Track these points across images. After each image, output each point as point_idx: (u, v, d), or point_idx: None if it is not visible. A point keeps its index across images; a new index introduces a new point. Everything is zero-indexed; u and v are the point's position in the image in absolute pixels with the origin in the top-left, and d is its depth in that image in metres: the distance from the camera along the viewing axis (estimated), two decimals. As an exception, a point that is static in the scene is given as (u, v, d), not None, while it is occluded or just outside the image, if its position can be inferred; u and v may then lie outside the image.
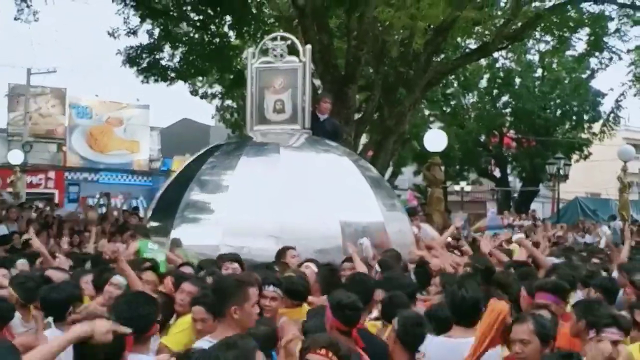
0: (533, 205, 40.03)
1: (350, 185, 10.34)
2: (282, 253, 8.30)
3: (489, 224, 24.26)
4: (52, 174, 34.51)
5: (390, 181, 33.73)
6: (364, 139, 23.60)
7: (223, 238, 9.29)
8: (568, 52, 33.32)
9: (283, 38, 11.43)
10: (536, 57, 38.49)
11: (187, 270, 7.48)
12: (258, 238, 9.19)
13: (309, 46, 11.48)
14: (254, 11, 21.99)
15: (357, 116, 21.46)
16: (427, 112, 36.84)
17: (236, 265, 7.37)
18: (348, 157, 10.99)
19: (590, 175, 42.62)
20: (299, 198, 9.68)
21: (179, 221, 9.95)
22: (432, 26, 19.70)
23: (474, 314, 5.17)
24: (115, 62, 23.48)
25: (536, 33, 26.44)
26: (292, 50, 11.67)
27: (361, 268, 7.63)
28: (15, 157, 26.27)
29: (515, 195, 42.90)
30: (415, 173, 39.10)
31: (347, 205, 10.00)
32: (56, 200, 29.80)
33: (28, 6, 19.89)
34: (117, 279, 6.10)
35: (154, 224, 10.81)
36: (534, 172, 39.45)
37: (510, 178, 43.30)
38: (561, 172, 32.62)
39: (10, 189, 25.39)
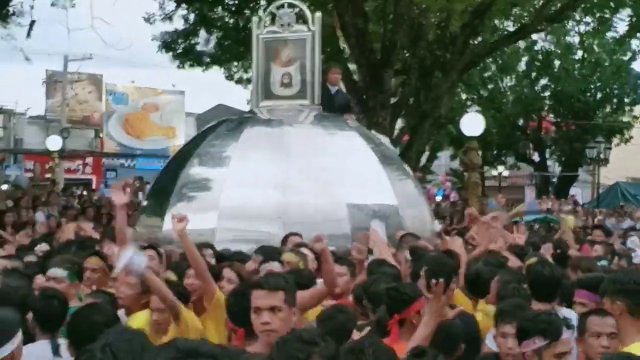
0: (572, 190, 39.48)
1: (361, 166, 9.54)
2: (284, 241, 7.57)
3: (527, 209, 24.09)
4: (89, 160, 34.97)
5: (427, 166, 33.56)
6: (399, 124, 23.43)
7: (220, 221, 8.65)
8: (609, 34, 32.74)
9: (291, 5, 10.22)
10: (576, 39, 37.86)
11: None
12: (258, 221, 8.51)
13: (318, 14, 10.37)
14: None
15: (393, 100, 21.31)
16: (464, 96, 36.48)
17: (210, 251, 6.90)
18: (360, 135, 10.07)
19: (630, 160, 41.85)
20: (304, 179, 9.02)
21: (174, 203, 9.24)
22: (469, 8, 19.44)
23: (553, 291, 5.32)
24: (151, 49, 23.59)
25: (576, 14, 25.99)
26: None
27: (387, 255, 6.79)
28: (54, 143, 26.59)
29: (554, 180, 42.34)
30: (452, 157, 38.80)
31: (356, 187, 9.26)
32: (93, 186, 30.16)
33: (65, -8, 19.97)
34: (56, 272, 5.59)
35: (149, 205, 10.30)
36: (573, 156, 38.88)
37: (549, 162, 42.75)
38: (601, 156, 32.16)
39: (48, 175, 25.71)
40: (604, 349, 4.15)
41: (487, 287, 5.71)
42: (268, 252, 6.62)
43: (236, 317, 4.17)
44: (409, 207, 9.55)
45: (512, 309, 4.42)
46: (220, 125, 10.50)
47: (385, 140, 11.19)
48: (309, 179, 9.01)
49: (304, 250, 6.63)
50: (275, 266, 6.50)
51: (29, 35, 18.63)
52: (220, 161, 9.45)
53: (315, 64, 10.09)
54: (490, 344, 4.95)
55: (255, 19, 10.68)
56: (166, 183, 9.84)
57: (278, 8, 10.24)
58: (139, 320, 5.20)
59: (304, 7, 10.42)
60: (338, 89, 11.09)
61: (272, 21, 10.38)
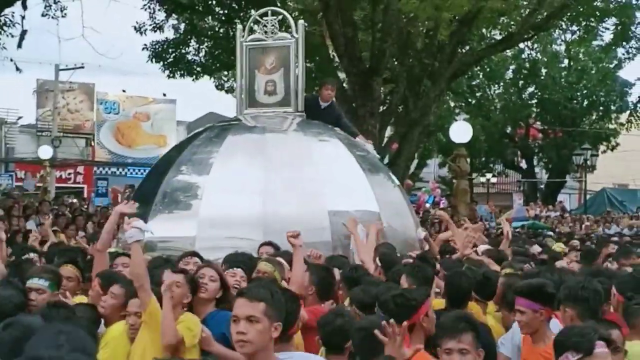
0: (560, 197, 39.85)
1: (343, 174, 9.34)
2: (257, 250, 7.46)
3: (515, 215, 24.36)
4: (81, 169, 35.02)
5: (416, 173, 33.81)
6: (388, 132, 23.64)
7: (200, 229, 8.45)
8: (595, 42, 33.16)
9: (274, 13, 10.21)
10: (562, 47, 38.34)
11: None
12: (239, 229, 8.24)
13: (301, 21, 10.36)
14: (278, 4, 22.11)
15: (382, 108, 21.50)
16: (452, 104, 36.78)
17: (196, 259, 6.75)
18: (342, 142, 9.82)
19: (617, 166, 42.27)
20: (286, 186, 8.79)
21: (155, 211, 9.00)
22: (457, 17, 19.70)
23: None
24: (142, 58, 23.77)
25: (562, 23, 26.31)
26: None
27: (368, 257, 6.93)
28: (45, 152, 26.68)
29: (542, 186, 42.69)
30: (441, 165, 39.08)
31: (338, 194, 9.03)
32: (85, 195, 30.22)
33: (56, 2, 20.10)
34: (38, 282, 5.43)
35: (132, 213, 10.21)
36: (560, 163, 39.25)
37: (536, 169, 43.11)
38: (588, 162, 32.47)
39: (40, 184, 25.74)
40: None
41: (496, 290, 5.86)
42: (234, 260, 6.48)
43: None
44: (392, 214, 9.36)
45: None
46: (205, 132, 10.38)
47: (369, 147, 11.04)
48: (290, 187, 8.81)
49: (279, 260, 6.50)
50: (238, 272, 6.56)
51: (20, 45, 18.70)
52: (201, 168, 9.26)
53: (299, 71, 10.02)
54: (503, 349, 5.05)
55: (239, 27, 10.64)
56: (148, 190, 9.64)
57: (261, 16, 10.19)
58: (116, 330, 5.29)
59: (287, 15, 10.43)
60: (330, 103, 10.79)
61: (254, 30, 10.26)
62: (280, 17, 10.20)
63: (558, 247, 11.29)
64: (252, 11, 21.78)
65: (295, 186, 8.78)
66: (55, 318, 4.24)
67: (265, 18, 10.09)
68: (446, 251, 8.97)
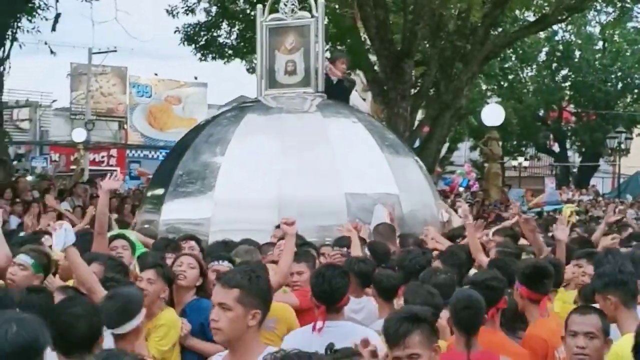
0: (593, 181, 39.43)
1: (361, 154, 9.22)
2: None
3: (547, 199, 24.13)
4: (114, 152, 35.38)
5: (447, 157, 33.63)
6: (420, 115, 23.55)
7: (215, 211, 8.45)
8: (630, 24, 32.62)
9: None
10: (597, 29, 37.77)
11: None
12: (254, 210, 8.18)
13: (321, 0, 10.11)
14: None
15: (413, 91, 21.42)
16: (484, 87, 36.51)
17: (193, 243, 6.76)
18: (362, 123, 9.70)
19: (652, 149, 41.75)
20: (302, 167, 8.71)
21: (171, 193, 9.12)
22: (489, -2, 19.54)
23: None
24: (174, 41, 23.84)
25: (597, 4, 25.91)
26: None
27: (356, 250, 6.53)
28: (79, 135, 26.97)
29: (575, 170, 42.28)
30: (472, 148, 38.84)
31: (356, 175, 8.91)
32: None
33: (90, -14, 20.25)
34: (22, 258, 5.31)
35: (149, 195, 10.24)
36: (593, 146, 38.84)
37: (569, 153, 42.68)
38: (622, 146, 32.11)
39: (74, 166, 26.06)
40: (579, 349, 3.92)
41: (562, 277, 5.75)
42: (216, 252, 6.23)
43: (317, 295, 4.58)
44: (412, 196, 9.22)
45: None
46: (223, 113, 10.49)
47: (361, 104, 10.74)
48: (307, 168, 8.75)
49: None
50: (192, 244, 6.65)
51: (54, 28, 18.87)
52: (218, 149, 9.22)
53: (319, 50, 9.91)
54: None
55: (259, 6, 10.41)
56: (166, 172, 9.75)
57: None
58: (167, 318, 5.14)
59: None
60: (339, 79, 10.59)
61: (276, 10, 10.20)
62: None
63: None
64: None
65: (311, 167, 8.74)
66: (33, 302, 4.16)
67: None
68: (454, 236, 8.43)
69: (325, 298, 4.53)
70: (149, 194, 10.34)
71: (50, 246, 5.59)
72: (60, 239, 4.81)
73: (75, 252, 4.91)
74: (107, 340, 3.73)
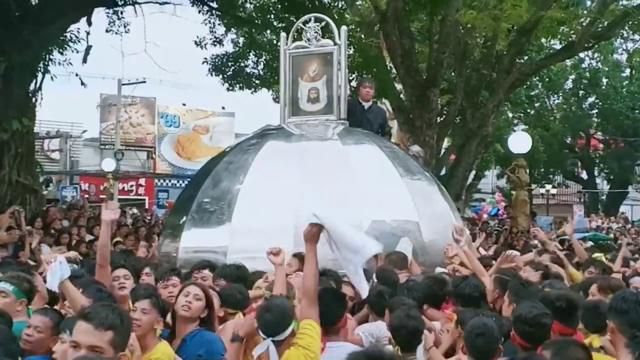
0: (622, 208, 39.06)
1: (381, 182, 9.05)
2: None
3: (575, 227, 23.98)
4: (142, 181, 35.73)
5: (474, 184, 33.55)
6: (446, 143, 23.59)
7: (233, 238, 8.32)
8: (657, 51, 32.44)
9: (317, 19, 10.05)
10: (624, 57, 37.63)
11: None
12: (270, 239, 7.60)
13: (344, 27, 10.19)
14: (336, 17, 22.27)
15: (439, 119, 21.47)
16: (510, 115, 36.45)
17: (206, 272, 6.72)
18: (383, 150, 9.57)
19: (682, 177, 41.31)
20: (320, 195, 8.49)
21: (191, 221, 9.07)
22: (515, 27, 19.59)
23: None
24: (202, 72, 24.12)
25: (623, 31, 25.89)
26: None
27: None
28: (108, 164, 27.29)
29: (603, 197, 41.93)
30: (499, 176, 38.72)
31: (374, 203, 8.73)
32: (146, 206, 30.84)
33: (119, 18, 20.64)
34: (2, 285, 5.33)
35: (169, 222, 10.25)
36: (622, 173, 38.55)
37: (597, 180, 42.37)
38: (651, 173, 31.79)
39: (103, 195, 26.36)
40: None
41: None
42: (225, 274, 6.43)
43: (322, 317, 4.67)
44: (434, 224, 9.03)
45: None
46: (244, 141, 10.38)
47: (415, 148, 10.68)
48: (326, 195, 8.50)
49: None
50: (205, 273, 6.52)
51: (85, 60, 19.20)
52: (236, 177, 9.14)
53: (342, 78, 9.90)
54: None
55: (283, 34, 10.48)
56: (185, 200, 9.75)
57: (304, 23, 10.07)
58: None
59: (330, 21, 10.26)
60: (372, 104, 10.74)
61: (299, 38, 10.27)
62: (323, 23, 10.09)
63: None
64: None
65: (330, 195, 8.52)
66: None
67: (308, 25, 9.98)
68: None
69: (322, 320, 4.61)
70: (170, 221, 10.34)
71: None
72: (55, 275, 4.72)
73: (70, 286, 4.84)
74: (270, 347, 4.24)
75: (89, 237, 14.80)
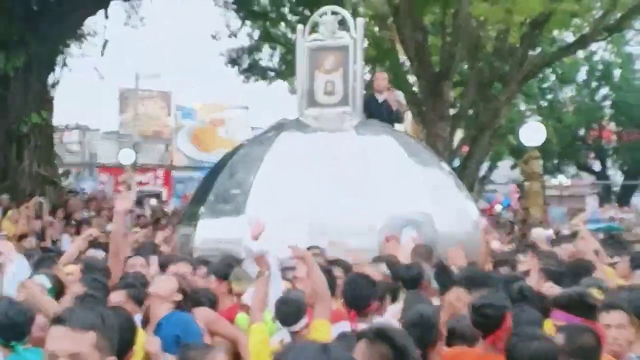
0: (635, 199, 39.09)
1: (395, 175, 9.08)
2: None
3: (589, 218, 24.06)
4: (160, 173, 36.03)
5: (486, 176, 33.68)
6: (459, 135, 23.76)
7: (246, 232, 8.15)
8: (670, 43, 32.45)
9: (334, 12, 10.09)
10: (636, 49, 37.66)
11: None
12: (284, 231, 7.75)
13: (360, 19, 10.37)
14: (350, 11, 22.46)
15: (452, 112, 21.64)
16: (523, 107, 36.51)
17: (204, 270, 6.66)
18: (399, 142, 9.65)
19: (695, 168, 41.30)
20: (334, 187, 8.64)
21: (207, 211, 9.18)
22: (528, 20, 19.72)
23: None
24: (218, 64, 24.40)
25: (636, 24, 25.90)
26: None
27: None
28: (126, 156, 27.55)
29: (616, 189, 41.96)
30: (512, 167, 38.80)
31: (389, 196, 8.79)
32: (164, 198, 31.15)
33: (136, 12, 21.01)
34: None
35: (186, 214, 10.47)
36: (635, 165, 38.58)
37: (610, 172, 42.39)
38: (664, 164, 31.80)
39: (121, 187, 26.69)
40: None
41: None
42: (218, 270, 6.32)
43: (348, 301, 5.03)
44: (449, 215, 9.09)
45: None
46: (261, 134, 10.62)
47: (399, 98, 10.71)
48: (340, 187, 8.67)
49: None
50: (180, 266, 6.35)
51: (102, 54, 19.57)
52: (251, 168, 9.25)
53: (358, 70, 10.02)
54: None
55: (299, 27, 10.60)
56: (202, 192, 9.90)
57: (321, 15, 10.15)
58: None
59: (346, 14, 10.34)
60: (386, 100, 10.77)
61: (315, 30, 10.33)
62: (339, 16, 10.18)
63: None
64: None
65: (345, 186, 8.67)
66: None
67: (324, 17, 10.08)
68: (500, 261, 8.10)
69: (355, 304, 4.95)
70: (187, 212, 10.53)
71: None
72: (11, 282, 4.59)
73: (33, 286, 4.68)
74: (286, 337, 4.53)
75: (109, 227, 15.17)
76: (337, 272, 6.19)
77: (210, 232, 9.08)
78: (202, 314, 5.26)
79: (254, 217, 5.73)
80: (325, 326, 4.70)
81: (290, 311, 4.70)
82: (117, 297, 4.89)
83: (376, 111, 10.42)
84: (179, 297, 5.10)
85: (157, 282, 5.17)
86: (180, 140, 39.33)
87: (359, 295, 5.01)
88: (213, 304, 5.68)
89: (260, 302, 5.28)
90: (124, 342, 3.51)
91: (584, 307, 4.45)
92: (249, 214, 6.12)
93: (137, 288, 5.13)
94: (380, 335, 3.29)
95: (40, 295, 4.72)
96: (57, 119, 20.14)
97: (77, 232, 13.75)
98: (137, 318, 4.86)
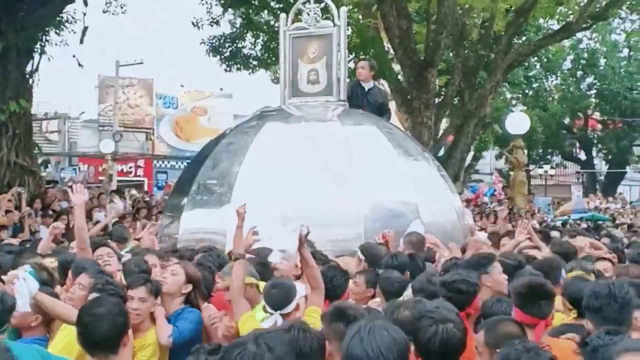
0: (620, 189, 39.19)
1: (379, 164, 9.03)
2: None
3: (574, 207, 24.04)
4: (141, 162, 35.72)
5: (472, 165, 33.61)
6: (444, 124, 23.63)
7: (231, 223, 7.89)
8: (655, 31, 32.46)
9: (317, 0, 9.94)
10: (622, 37, 37.64)
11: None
12: (270, 219, 7.64)
13: (344, 8, 10.15)
14: (334, -3, 22.22)
15: (437, 100, 21.50)
16: (508, 95, 36.46)
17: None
18: (382, 132, 9.54)
19: (680, 157, 41.49)
20: (319, 176, 8.55)
21: (191, 202, 9.08)
22: (513, 7, 19.57)
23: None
24: (200, 52, 24.02)
25: (621, 12, 25.84)
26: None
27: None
28: (107, 146, 27.25)
29: (601, 178, 42.04)
30: (497, 157, 38.79)
31: (373, 185, 8.72)
32: (146, 188, 30.84)
33: (116, -1, 20.59)
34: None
35: (169, 204, 10.34)
36: (620, 154, 38.67)
37: (595, 161, 42.47)
38: (649, 153, 31.84)
39: (102, 177, 26.37)
40: None
41: None
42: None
43: (329, 292, 5.22)
44: (433, 205, 9.03)
45: None
46: (244, 122, 10.39)
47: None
48: (324, 176, 8.57)
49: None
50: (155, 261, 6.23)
51: (81, 41, 19.18)
52: (236, 158, 9.12)
53: (341, 59, 9.85)
54: None
55: (282, 15, 10.40)
56: (186, 181, 9.76)
57: (304, 3, 10.00)
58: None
59: (329, 2, 10.10)
60: (373, 86, 10.65)
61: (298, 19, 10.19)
62: (322, 4, 10.02)
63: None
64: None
65: (329, 176, 8.58)
66: None
67: (307, 6, 9.94)
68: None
69: (330, 294, 5.21)
70: (170, 202, 10.38)
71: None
72: (23, 294, 4.38)
73: (45, 297, 4.56)
74: (278, 320, 4.59)
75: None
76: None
77: (194, 223, 8.95)
78: (208, 314, 5.23)
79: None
80: (317, 313, 4.78)
81: (280, 295, 4.78)
82: (138, 294, 4.82)
83: (361, 98, 10.24)
84: (188, 288, 5.14)
85: (166, 279, 5.16)
86: (161, 129, 39.02)
87: (333, 285, 5.40)
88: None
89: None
90: (118, 326, 3.73)
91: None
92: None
93: (153, 282, 5.06)
94: (337, 314, 3.77)
95: (54, 304, 4.58)
96: (37, 108, 19.78)
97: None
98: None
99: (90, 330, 3.71)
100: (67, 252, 7.12)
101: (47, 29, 18.40)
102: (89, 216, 15.63)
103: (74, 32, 19.52)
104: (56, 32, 19.32)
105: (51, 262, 6.11)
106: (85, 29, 19.04)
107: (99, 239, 8.23)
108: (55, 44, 19.27)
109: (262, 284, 5.27)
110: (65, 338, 4.49)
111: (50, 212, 15.39)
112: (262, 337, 2.72)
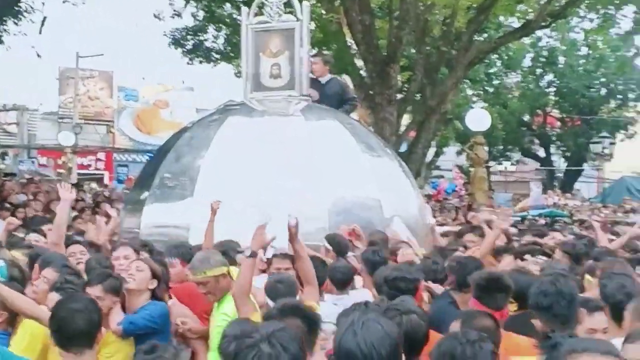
0: (577, 185, 39.80)
1: (342, 159, 9.04)
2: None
3: (533, 203, 24.36)
4: (101, 155, 35.38)
5: (433, 161, 33.88)
6: (406, 119, 23.76)
7: (194, 214, 8.12)
8: (613, 30, 32.96)
9: None
10: (580, 36, 38.13)
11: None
12: (233, 214, 7.75)
13: (306, 3, 9.95)
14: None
15: (399, 96, 21.61)
16: (469, 92, 36.79)
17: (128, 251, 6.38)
18: (345, 126, 9.58)
19: (636, 155, 42.14)
20: (282, 171, 8.53)
21: (152, 196, 8.99)
22: (474, 4, 19.74)
23: None
24: (162, 45, 23.82)
25: (580, 10, 26.21)
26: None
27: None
28: (66, 138, 26.94)
29: (560, 175, 42.64)
30: (458, 153, 39.10)
31: (336, 180, 8.71)
32: (106, 181, 30.57)
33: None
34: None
35: (129, 199, 10.23)
36: (578, 151, 39.22)
37: (554, 158, 43.04)
38: (606, 151, 32.39)
39: (61, 170, 26.06)
40: None
41: None
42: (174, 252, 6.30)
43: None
44: (395, 200, 9.06)
45: None
46: (207, 116, 10.31)
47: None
48: (287, 171, 8.53)
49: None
50: (129, 253, 6.18)
51: (40, 31, 18.93)
52: (198, 152, 9.08)
53: (304, 54, 9.76)
54: None
55: (244, 9, 10.33)
56: (147, 175, 9.68)
57: None
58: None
59: None
60: (331, 78, 10.59)
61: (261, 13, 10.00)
62: None
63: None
64: (270, -1, 21.98)
65: (292, 171, 8.55)
66: None
67: (270, 0, 9.80)
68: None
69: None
70: (131, 197, 10.27)
71: None
72: None
73: (4, 289, 4.52)
74: None
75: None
76: None
77: (156, 218, 8.86)
78: (176, 310, 5.27)
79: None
80: (313, 307, 4.83)
81: (284, 289, 4.92)
82: (94, 292, 4.74)
83: (319, 93, 10.14)
84: (154, 284, 5.15)
85: (133, 276, 5.12)
86: (122, 122, 38.66)
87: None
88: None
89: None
90: (93, 322, 3.84)
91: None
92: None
93: (112, 279, 5.03)
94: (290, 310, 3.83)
95: (14, 296, 4.54)
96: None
97: (12, 216, 13.24)
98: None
99: (67, 324, 3.74)
100: (22, 242, 7.17)
101: (4, 18, 18.13)
102: (47, 209, 15.50)
103: (33, 22, 19.25)
104: (14, 22, 19.03)
105: (24, 258, 6.07)
106: (44, 19, 18.81)
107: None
108: (14, 34, 19.01)
109: (233, 270, 5.29)
110: (27, 333, 4.50)
111: (7, 205, 15.19)
112: (274, 336, 2.73)
